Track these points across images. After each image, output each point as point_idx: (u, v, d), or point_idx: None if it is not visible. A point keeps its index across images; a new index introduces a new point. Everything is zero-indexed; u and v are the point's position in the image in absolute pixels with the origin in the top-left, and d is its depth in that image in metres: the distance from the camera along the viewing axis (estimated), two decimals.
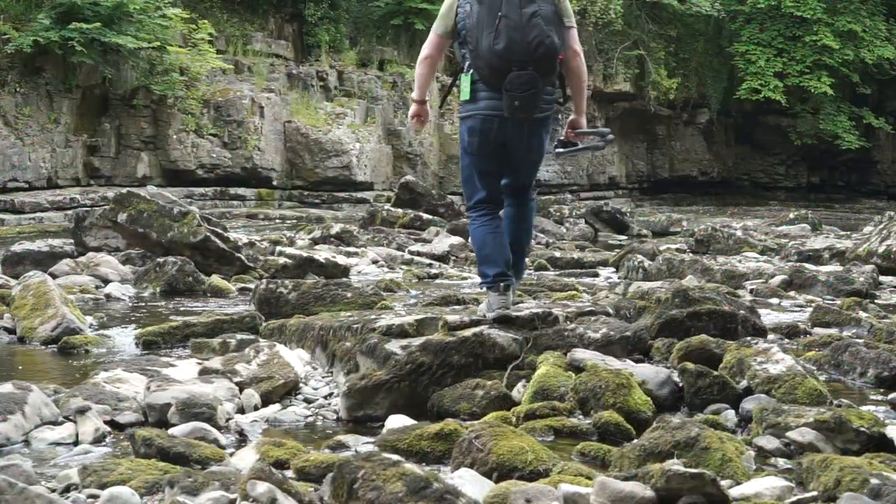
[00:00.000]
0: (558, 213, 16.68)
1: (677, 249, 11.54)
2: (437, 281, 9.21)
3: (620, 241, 15.09)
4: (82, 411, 3.82)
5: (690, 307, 5.01)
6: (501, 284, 4.83)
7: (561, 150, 5.13)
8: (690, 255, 10.42)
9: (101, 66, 17.82)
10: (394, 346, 4.44)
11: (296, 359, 4.85)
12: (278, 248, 9.97)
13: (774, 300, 7.41)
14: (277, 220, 18.50)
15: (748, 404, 3.93)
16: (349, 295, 6.29)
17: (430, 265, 10.26)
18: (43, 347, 5.61)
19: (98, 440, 3.72)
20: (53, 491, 3.03)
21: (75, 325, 5.78)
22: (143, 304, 7.36)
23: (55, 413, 3.88)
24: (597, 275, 9.88)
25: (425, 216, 13.84)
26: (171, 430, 3.67)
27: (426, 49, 5.00)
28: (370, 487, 2.73)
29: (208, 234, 8.57)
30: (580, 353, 4.41)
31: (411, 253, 11.09)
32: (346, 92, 23.32)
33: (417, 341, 4.46)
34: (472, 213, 5.05)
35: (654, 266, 9.03)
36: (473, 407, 4.07)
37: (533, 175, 5.16)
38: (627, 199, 29.61)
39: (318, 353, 5.00)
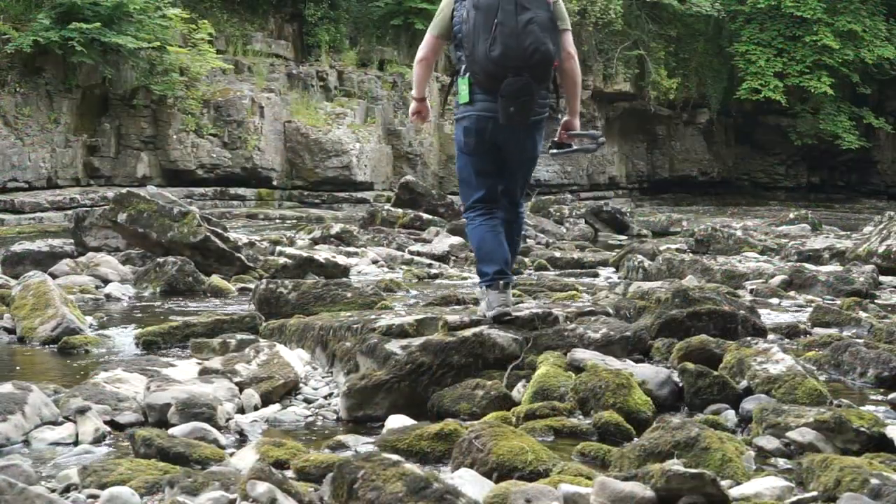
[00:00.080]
0: (558, 213, 16.68)
1: (677, 249, 11.54)
2: (437, 281, 9.21)
3: (620, 241, 15.09)
4: (82, 411, 3.82)
5: (690, 307, 5.01)
6: (501, 282, 4.83)
7: (555, 150, 5.19)
8: (690, 255, 10.42)
9: (101, 66, 17.82)
10: (394, 346, 4.44)
11: (296, 359, 4.85)
12: (278, 248, 9.97)
13: (774, 300, 7.41)
14: (277, 220, 18.51)
15: (748, 404, 3.93)
16: (349, 295, 6.29)
17: (430, 265, 10.26)
18: (43, 347, 5.61)
19: (98, 440, 3.72)
20: (53, 491, 3.03)
21: (75, 325, 5.78)
22: (143, 304, 7.36)
23: (55, 413, 3.88)
24: (597, 275, 9.89)
25: (425, 216, 13.84)
26: (171, 430, 3.67)
27: (422, 50, 5.08)
28: (370, 487, 2.73)
29: (208, 234, 8.57)
30: (580, 353, 4.41)
31: (411, 253, 11.09)
32: (346, 92, 23.33)
33: (417, 341, 4.46)
34: (469, 214, 5.07)
35: (654, 266, 9.03)
36: (473, 407, 4.07)
37: (526, 180, 5.20)
38: (627, 199, 29.61)
39: (318, 353, 4.99)
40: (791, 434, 3.51)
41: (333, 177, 21.55)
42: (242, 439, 3.87)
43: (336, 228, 12.16)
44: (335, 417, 4.22)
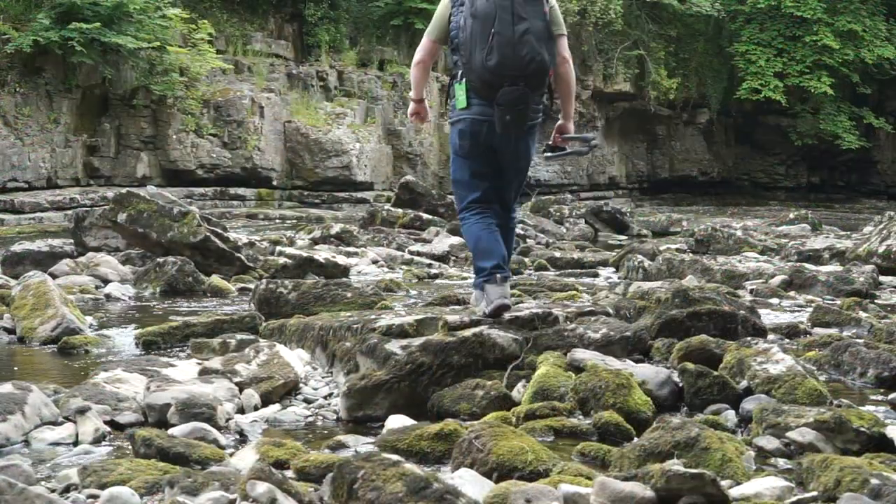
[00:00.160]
0: (558, 213, 16.68)
1: (677, 249, 11.54)
2: (437, 281, 9.22)
3: (620, 241, 15.09)
4: (82, 411, 3.82)
5: (690, 307, 5.00)
6: (499, 275, 4.85)
7: (549, 154, 5.29)
8: (690, 255, 10.42)
9: (100, 66, 17.82)
10: (394, 346, 4.44)
11: (296, 359, 4.85)
12: (278, 248, 9.97)
13: (774, 300, 7.41)
14: (277, 220, 18.51)
15: (748, 404, 3.93)
16: (349, 295, 6.29)
17: (430, 265, 10.26)
18: (43, 347, 5.61)
19: (98, 440, 3.72)
20: (53, 491, 3.03)
21: (75, 325, 5.78)
22: (143, 304, 7.36)
23: (55, 413, 3.88)
24: (597, 275, 9.89)
25: (425, 216, 13.84)
26: (171, 431, 3.67)
27: (419, 53, 5.16)
28: (370, 487, 2.73)
29: (208, 234, 8.57)
30: (580, 353, 4.41)
31: (411, 253, 11.10)
32: (346, 92, 23.33)
33: (417, 341, 4.45)
34: (464, 214, 5.12)
35: (654, 266, 9.03)
36: (473, 407, 4.07)
37: (520, 184, 5.25)
38: (627, 199, 29.61)
39: (318, 353, 4.99)
40: (791, 434, 3.51)
41: (333, 177, 21.55)
42: (242, 439, 3.87)
43: (336, 228, 12.16)
44: (335, 417, 4.22)
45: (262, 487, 2.69)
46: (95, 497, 2.97)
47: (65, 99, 17.99)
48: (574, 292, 7.19)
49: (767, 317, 5.95)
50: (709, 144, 33.04)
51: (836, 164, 33.29)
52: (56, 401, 4.00)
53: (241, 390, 4.39)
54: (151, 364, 4.80)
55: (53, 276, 7.46)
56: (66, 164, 18.08)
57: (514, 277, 8.81)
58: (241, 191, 20.55)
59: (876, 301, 7.38)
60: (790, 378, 4.06)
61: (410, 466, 2.81)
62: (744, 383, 4.15)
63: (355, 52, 24.13)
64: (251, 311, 6.28)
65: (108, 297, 7.53)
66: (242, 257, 8.67)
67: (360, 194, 21.65)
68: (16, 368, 5.09)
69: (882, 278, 8.49)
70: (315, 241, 11.79)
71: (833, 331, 5.62)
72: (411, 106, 5.29)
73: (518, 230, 13.59)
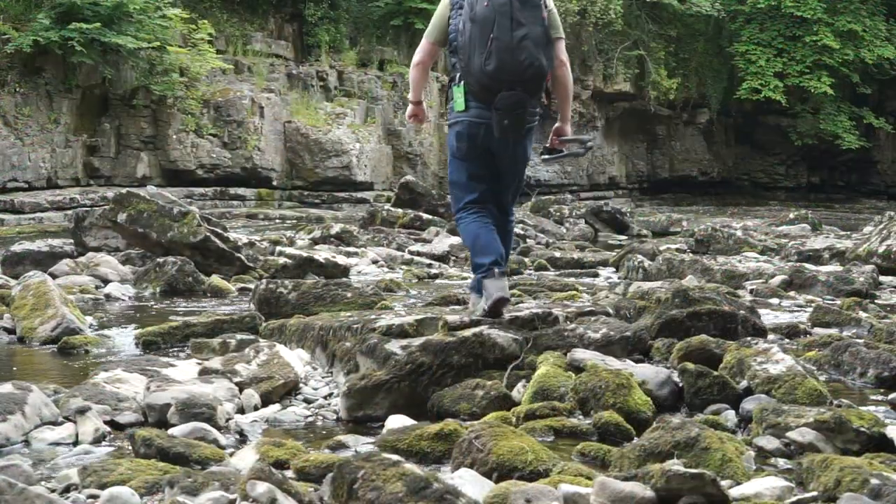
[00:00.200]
0: (558, 213, 16.68)
1: (677, 249, 11.54)
2: (437, 281, 9.22)
3: (620, 241, 15.09)
4: (82, 411, 3.82)
5: (690, 307, 5.00)
6: (496, 270, 4.87)
7: (546, 156, 5.34)
8: (690, 255, 10.42)
9: (100, 66, 17.82)
10: (394, 346, 4.44)
11: (296, 359, 4.85)
12: (278, 248, 9.97)
13: (774, 300, 7.41)
14: (277, 220, 18.51)
15: (748, 404, 3.93)
16: (349, 295, 6.29)
17: (430, 265, 10.26)
18: (43, 347, 5.61)
19: (98, 440, 3.72)
20: (53, 491, 3.03)
21: (75, 325, 5.78)
22: (143, 304, 7.36)
23: (55, 413, 3.88)
24: (597, 275, 9.89)
25: (425, 216, 13.84)
26: (171, 431, 3.67)
27: (418, 55, 5.19)
28: (370, 487, 2.73)
29: (208, 234, 8.57)
30: (580, 353, 4.41)
31: (411, 253, 11.10)
32: (346, 92, 23.33)
33: (417, 341, 4.45)
34: (461, 214, 5.16)
35: (654, 266, 9.03)
36: (473, 407, 4.06)
37: (517, 186, 5.29)
38: (627, 199, 29.61)
39: (318, 353, 4.99)
40: (791, 434, 3.51)
41: (333, 177, 21.55)
42: (242, 439, 3.87)
43: (336, 228, 12.16)
44: (335, 417, 4.22)
45: (262, 487, 2.69)
46: (95, 497, 2.97)
47: (65, 99, 17.99)
48: (574, 292, 7.19)
49: (767, 317, 5.95)
50: (709, 144, 33.05)
51: (836, 164, 33.30)
52: (56, 401, 3.99)
53: (241, 390, 4.39)
54: (151, 364, 4.80)
55: (53, 276, 7.46)
56: (66, 164, 18.08)
57: (514, 277, 8.81)
58: (241, 191, 20.55)
59: (876, 301, 7.38)
60: (790, 378, 4.06)
61: (410, 466, 2.81)
62: (744, 383, 4.14)
63: (355, 52, 24.13)
64: (251, 311, 6.28)
65: (108, 297, 7.53)
66: (242, 257, 8.67)
67: (360, 194, 21.65)
68: (16, 368, 5.09)
69: (882, 278, 8.49)
70: (315, 241, 11.80)
71: (833, 331, 5.62)
72: (409, 108, 5.33)
73: (518, 230, 13.63)
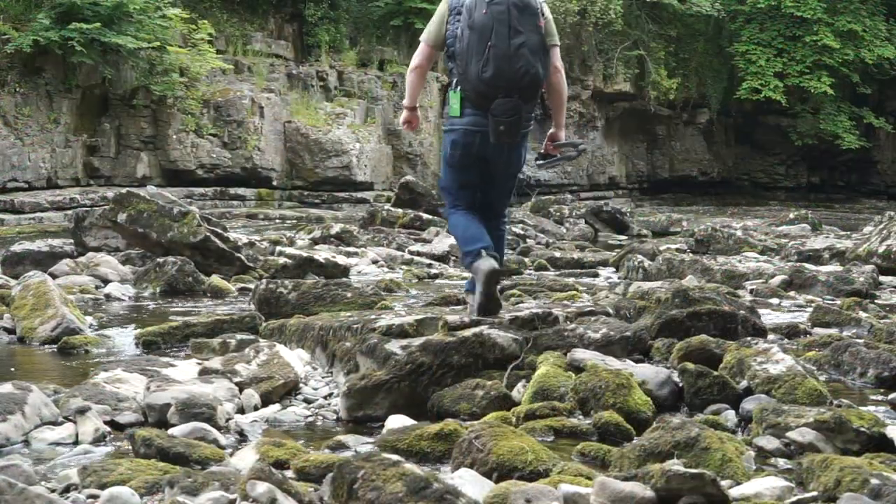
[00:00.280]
0: (558, 213, 16.68)
1: (677, 249, 11.54)
2: (437, 281, 9.22)
3: (620, 241, 15.09)
4: (82, 411, 3.82)
5: (690, 307, 5.01)
6: (485, 251, 4.93)
7: (541, 162, 5.46)
8: (690, 255, 10.42)
9: (100, 66, 17.82)
10: (394, 346, 4.44)
11: (296, 359, 4.85)
12: (278, 248, 9.97)
13: (774, 300, 7.41)
14: (277, 220, 18.50)
15: (748, 404, 3.93)
16: (349, 295, 6.30)
17: (430, 265, 10.27)
18: (43, 347, 5.61)
19: (98, 440, 3.72)
20: (53, 491, 3.03)
21: (75, 325, 5.78)
22: (143, 304, 7.36)
23: (55, 413, 3.88)
24: (597, 275, 9.89)
25: (425, 216, 13.84)
26: (171, 431, 3.67)
27: (416, 58, 5.24)
28: (370, 487, 2.73)
29: (208, 234, 8.57)
30: (580, 353, 4.41)
31: (411, 253, 11.10)
32: (346, 92, 23.32)
33: (417, 341, 4.46)
34: (450, 210, 5.28)
35: (654, 266, 9.03)
36: (473, 407, 4.06)
37: (511, 188, 5.36)
38: (627, 199, 29.60)
39: (318, 353, 5.00)
40: (791, 434, 3.51)
41: (333, 177, 21.55)
42: (242, 439, 3.87)
43: (336, 228, 12.16)
44: (335, 417, 4.22)
45: (262, 487, 2.69)
46: (95, 497, 2.97)
47: (65, 99, 17.99)
48: (574, 292, 7.19)
49: (767, 317, 5.95)
50: (709, 144, 33.03)
51: (836, 164, 33.28)
52: (56, 401, 4.00)
53: (241, 390, 4.39)
54: (151, 364, 4.80)
55: (53, 276, 7.46)
56: (66, 164, 18.08)
57: (514, 277, 8.81)
58: (241, 191, 20.54)
59: (876, 301, 7.38)
60: (790, 378, 4.06)
61: (410, 466, 2.81)
62: (744, 383, 4.15)
63: (355, 52, 24.13)
64: (251, 311, 6.28)
65: (108, 297, 7.53)
66: (242, 257, 8.67)
67: (360, 194, 21.65)
68: (15, 369, 5.09)
69: (882, 278, 8.49)
70: (315, 241, 11.79)
71: (833, 331, 5.62)
72: (404, 114, 5.36)
73: (518, 230, 13.65)
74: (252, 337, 5.41)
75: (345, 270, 8.84)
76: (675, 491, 2.76)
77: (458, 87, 5.00)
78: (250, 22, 22.73)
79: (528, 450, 3.22)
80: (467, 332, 4.51)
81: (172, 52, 18.82)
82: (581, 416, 3.89)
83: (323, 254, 9.32)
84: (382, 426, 3.91)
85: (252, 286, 7.28)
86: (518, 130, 5.01)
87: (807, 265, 9.08)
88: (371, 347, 4.48)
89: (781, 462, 3.42)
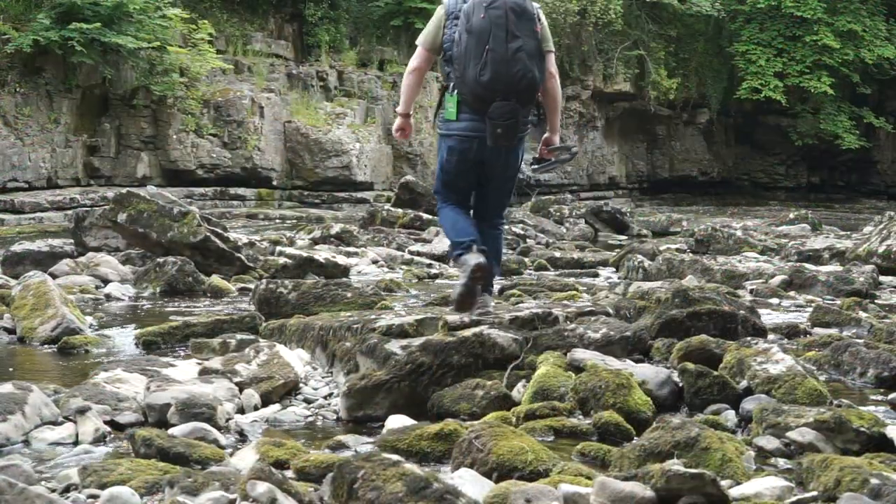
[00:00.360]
0: (558, 213, 16.68)
1: (677, 249, 11.54)
2: (438, 281, 9.22)
3: (620, 241, 15.09)
4: (82, 411, 3.82)
5: (690, 307, 5.01)
6: (474, 246, 4.96)
7: (536, 166, 5.51)
8: (690, 255, 10.41)
9: (101, 66, 17.81)
10: (394, 346, 4.44)
11: (296, 359, 4.85)
12: (278, 248, 9.97)
13: (774, 300, 7.41)
14: (277, 220, 18.50)
15: (748, 404, 3.93)
16: (349, 295, 6.30)
17: (430, 265, 10.26)
18: (43, 347, 5.61)
19: (98, 440, 3.72)
20: (53, 491, 3.03)
21: (75, 325, 5.78)
22: (143, 304, 7.36)
23: (55, 413, 3.88)
24: (597, 275, 9.89)
25: (425, 216, 13.83)
26: (171, 431, 3.67)
27: (414, 61, 5.26)
28: (370, 487, 2.73)
29: (208, 234, 8.57)
30: (580, 353, 4.41)
31: (411, 253, 11.09)
32: (346, 92, 23.32)
33: (417, 341, 4.46)
34: (441, 205, 5.33)
35: (654, 266, 9.03)
36: (473, 407, 4.07)
37: (509, 189, 5.38)
38: (627, 199, 29.60)
39: (318, 353, 5.00)
40: (791, 434, 3.51)
41: (333, 177, 21.55)
42: (242, 439, 3.87)
43: (336, 228, 12.16)
44: (335, 417, 4.22)
45: (262, 487, 2.69)
46: (95, 497, 2.97)
47: (65, 99, 17.98)
48: (574, 292, 7.19)
49: (767, 317, 5.95)
50: (709, 144, 33.03)
51: (836, 164, 33.28)
52: (56, 401, 4.00)
53: (241, 390, 4.39)
54: (151, 364, 4.80)
55: (53, 276, 7.46)
56: (66, 164, 18.07)
57: (514, 277, 8.81)
58: (241, 191, 20.54)
59: (876, 301, 7.38)
60: (790, 378, 4.06)
61: (410, 466, 2.81)
62: (744, 383, 4.15)
63: (355, 52, 24.12)
64: (251, 311, 6.28)
65: (108, 297, 7.53)
66: (242, 257, 8.67)
67: (360, 194, 21.64)
68: (15, 369, 5.09)
69: (882, 278, 8.49)
70: (315, 241, 11.79)
71: (833, 331, 5.62)
72: (398, 121, 5.35)
73: (518, 230, 13.65)
74: (252, 337, 5.41)
75: (345, 270, 8.84)
76: (675, 491, 2.76)
77: (455, 91, 5.03)
78: (250, 22, 22.73)
79: (528, 450, 3.22)
80: (467, 332, 4.51)
81: (172, 52, 18.82)
82: (581, 416, 3.89)
83: (323, 254, 9.32)
84: (382, 426, 3.91)
85: (252, 286, 7.28)
86: (515, 133, 5.05)
87: (807, 265, 9.08)
88: (371, 347, 4.48)
89: (781, 462, 3.42)
